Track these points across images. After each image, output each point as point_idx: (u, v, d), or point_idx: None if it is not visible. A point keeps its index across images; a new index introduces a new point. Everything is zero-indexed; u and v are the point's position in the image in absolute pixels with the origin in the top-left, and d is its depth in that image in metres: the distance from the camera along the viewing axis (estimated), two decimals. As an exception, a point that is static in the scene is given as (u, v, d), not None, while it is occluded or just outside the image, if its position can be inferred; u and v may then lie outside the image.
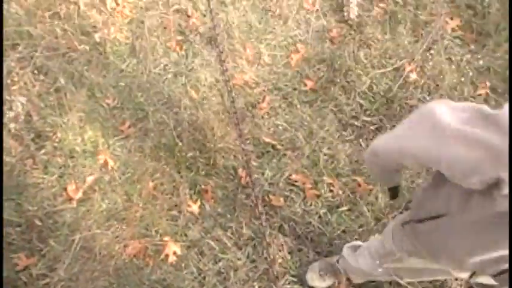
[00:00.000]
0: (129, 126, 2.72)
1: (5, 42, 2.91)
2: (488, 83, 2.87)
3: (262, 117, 2.71)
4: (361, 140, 2.66)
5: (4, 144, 2.67)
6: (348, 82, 2.80)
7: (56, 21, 3.07)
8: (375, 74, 2.82)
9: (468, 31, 3.10)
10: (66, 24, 3.04)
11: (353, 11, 3.08)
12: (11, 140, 2.70)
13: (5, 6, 3.08)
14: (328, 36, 3.02)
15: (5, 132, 2.71)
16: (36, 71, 2.88)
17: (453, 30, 3.09)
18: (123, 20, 3.09)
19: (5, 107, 2.78)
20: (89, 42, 3.00)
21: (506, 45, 2.96)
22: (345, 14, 3.09)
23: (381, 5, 3.16)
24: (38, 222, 2.46)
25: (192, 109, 2.68)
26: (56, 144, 2.68)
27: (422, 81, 2.83)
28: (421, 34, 3.04)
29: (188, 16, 3.07)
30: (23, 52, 2.92)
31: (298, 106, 2.75)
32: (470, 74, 2.87)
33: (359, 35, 3.01)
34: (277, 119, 2.70)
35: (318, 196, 2.49)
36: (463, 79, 2.82)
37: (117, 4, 3.13)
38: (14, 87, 2.85)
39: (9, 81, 2.81)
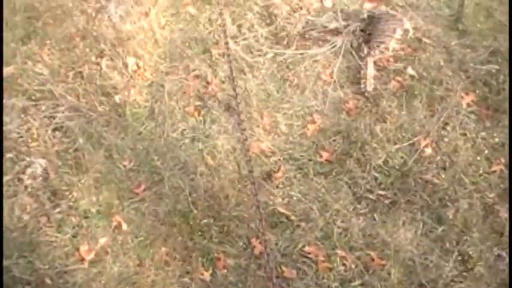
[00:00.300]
0: (145, 190, 2.85)
1: (27, 102, 3.10)
2: (503, 160, 2.97)
3: (277, 186, 2.84)
4: (375, 214, 2.76)
5: (19, 201, 2.79)
6: (363, 155, 2.93)
7: (78, 80, 3.27)
8: (390, 147, 2.95)
9: (483, 107, 3.24)
10: (88, 85, 3.23)
11: (370, 84, 3.26)
12: (26, 196, 2.82)
13: (30, 64, 3.30)
14: (344, 107, 3.19)
15: (21, 189, 2.84)
16: (56, 130, 3.05)
17: (468, 105, 3.23)
18: (144, 83, 3.29)
19: (22, 163, 2.93)
20: (108, 103, 3.19)
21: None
22: (362, 86, 3.27)
23: (398, 78, 3.33)
24: (48, 281, 2.54)
25: (208, 176, 2.82)
26: (71, 204, 2.80)
27: (438, 157, 2.95)
28: (437, 109, 3.18)
29: (207, 82, 3.26)
30: (44, 111, 3.09)
31: (313, 177, 2.87)
32: (486, 151, 2.98)
33: (375, 108, 3.16)
34: (291, 189, 2.83)
35: (331, 269, 2.57)
36: (478, 158, 2.93)
37: (139, 67, 3.33)
38: (33, 144, 3.00)
39: (29, 140, 2.97)
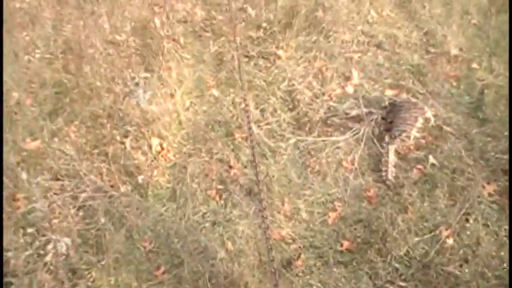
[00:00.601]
0: (164, 272, 2.91)
1: (52, 182, 3.24)
2: (527, 253, 3.01)
3: (297, 275, 2.88)
4: (395, 306, 2.80)
5: (38, 277, 2.86)
6: (384, 245, 2.97)
7: (103, 159, 3.40)
8: (411, 238, 3.01)
9: (505, 196, 3.27)
10: (112, 164, 3.36)
11: (390, 172, 3.35)
12: (45, 273, 2.89)
13: (57, 142, 3.46)
14: (365, 195, 3.27)
15: (40, 265, 2.90)
16: (78, 209, 3.15)
17: (490, 195, 3.27)
18: (166, 164, 3.42)
19: (42, 239, 3.03)
20: (131, 183, 3.30)
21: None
22: (383, 174, 3.37)
23: (419, 166, 3.42)
24: None
25: (228, 261, 2.88)
26: (89, 284, 2.85)
27: (460, 248, 2.99)
28: (459, 199, 3.24)
29: (230, 166, 3.38)
30: (69, 190, 3.21)
31: (334, 266, 2.92)
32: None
33: (396, 196, 3.24)
34: (311, 278, 2.87)
35: None
36: (502, 252, 2.97)
37: (162, 148, 3.47)
38: (55, 221, 3.10)
39: (52, 217, 3.07)
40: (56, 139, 3.52)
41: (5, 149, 3.37)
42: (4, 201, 3.11)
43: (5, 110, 3.68)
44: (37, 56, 4.17)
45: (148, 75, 3.72)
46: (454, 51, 4.39)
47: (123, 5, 4.42)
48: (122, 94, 3.62)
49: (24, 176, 3.24)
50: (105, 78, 3.78)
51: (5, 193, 3.13)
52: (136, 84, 3.54)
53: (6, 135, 3.48)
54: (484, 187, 3.32)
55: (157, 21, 4.10)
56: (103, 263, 2.92)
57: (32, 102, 3.80)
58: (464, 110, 3.88)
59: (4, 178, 3.18)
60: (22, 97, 3.80)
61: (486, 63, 4.29)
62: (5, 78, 3.82)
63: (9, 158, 3.33)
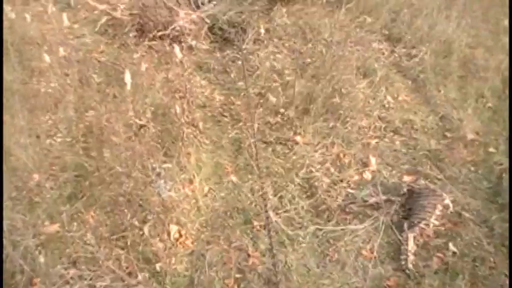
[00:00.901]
0: None
1: (70, 270, 3.26)
2: None
3: None
4: None
5: None
6: (407, 337, 2.97)
7: (121, 245, 3.45)
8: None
9: (529, 286, 3.29)
10: (131, 250, 3.41)
11: (410, 260, 3.36)
12: None
13: (76, 227, 3.53)
14: (385, 285, 3.27)
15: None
16: (95, 297, 3.19)
17: (512, 284, 3.29)
18: (185, 251, 3.45)
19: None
20: (149, 271, 3.32)
21: None
22: (402, 262, 3.38)
23: (439, 254, 3.43)
24: None
25: None
26: None
27: None
28: (481, 288, 3.25)
29: (248, 255, 3.41)
30: (87, 279, 3.24)
31: None
32: None
33: (417, 286, 3.24)
34: None
35: None
36: None
37: (180, 235, 3.52)
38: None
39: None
40: (75, 224, 3.57)
41: (24, 231, 3.42)
42: (21, 285, 3.15)
43: (24, 192, 3.77)
44: (59, 139, 4.29)
45: (169, 165, 3.82)
46: (470, 136, 4.48)
47: (145, 90, 4.60)
48: (142, 181, 3.71)
49: (42, 259, 3.29)
50: (125, 163, 3.87)
51: (22, 277, 3.17)
52: (158, 174, 3.63)
53: (26, 218, 3.55)
54: (506, 276, 3.30)
55: (177, 107, 4.24)
56: None
57: (52, 185, 3.87)
58: (483, 195, 3.93)
59: (22, 261, 3.22)
60: (42, 179, 3.89)
61: (503, 147, 4.35)
62: (25, 160, 3.93)
63: (28, 241, 3.39)
